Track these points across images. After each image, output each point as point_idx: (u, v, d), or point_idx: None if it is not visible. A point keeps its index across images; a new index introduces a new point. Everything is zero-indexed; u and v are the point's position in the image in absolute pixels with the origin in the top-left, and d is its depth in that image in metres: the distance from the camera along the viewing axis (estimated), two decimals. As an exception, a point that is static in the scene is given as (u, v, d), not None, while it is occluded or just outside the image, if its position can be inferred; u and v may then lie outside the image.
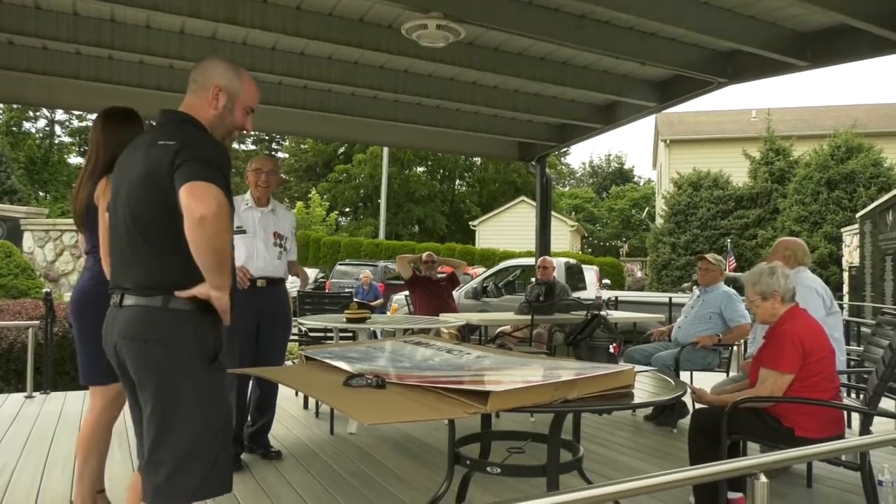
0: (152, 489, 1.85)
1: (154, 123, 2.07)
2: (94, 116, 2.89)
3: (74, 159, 35.95)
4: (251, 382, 3.89)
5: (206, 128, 1.98)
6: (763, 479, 1.63)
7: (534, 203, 8.39)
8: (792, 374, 2.82)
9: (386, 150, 28.25)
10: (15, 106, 30.95)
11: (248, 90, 2.09)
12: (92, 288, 2.64)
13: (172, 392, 1.84)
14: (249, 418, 3.92)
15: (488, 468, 2.56)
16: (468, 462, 2.68)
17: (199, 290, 1.84)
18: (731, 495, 2.98)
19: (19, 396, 5.38)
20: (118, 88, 5.28)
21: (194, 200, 1.74)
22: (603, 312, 3.00)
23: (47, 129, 37.10)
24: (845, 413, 3.39)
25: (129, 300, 1.90)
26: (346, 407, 1.89)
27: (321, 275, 18.85)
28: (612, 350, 2.69)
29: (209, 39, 4.87)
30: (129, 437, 3.83)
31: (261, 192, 3.82)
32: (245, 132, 2.15)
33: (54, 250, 17.16)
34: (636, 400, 2.27)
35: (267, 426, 3.91)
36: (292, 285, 4.51)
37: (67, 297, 7.65)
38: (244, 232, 3.77)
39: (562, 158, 46.56)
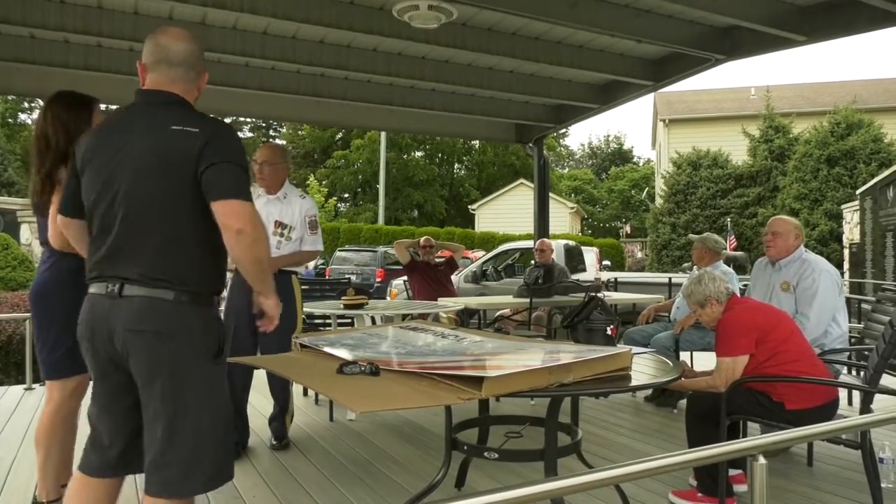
0: (161, 482, 1.82)
1: (143, 104, 1.94)
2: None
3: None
4: (252, 372, 3.87)
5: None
6: (762, 460, 1.61)
7: (532, 185, 8.34)
8: (745, 354, 2.86)
9: (384, 134, 28.13)
10: (10, 97, 30.78)
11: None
12: (49, 281, 2.61)
13: (184, 386, 1.81)
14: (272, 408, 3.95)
15: (486, 453, 2.55)
16: (465, 448, 2.67)
17: (263, 305, 1.99)
18: (731, 472, 2.99)
19: (19, 388, 5.37)
20: (108, 76, 5.22)
21: (231, 217, 1.78)
22: (600, 294, 2.98)
23: (43, 119, 36.89)
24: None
25: (134, 291, 1.81)
26: (338, 395, 1.87)
27: (321, 261, 18.83)
28: (609, 332, 2.66)
29: (198, 25, 4.80)
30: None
31: (262, 183, 3.82)
32: None
33: (52, 242, 17.09)
34: (634, 382, 2.25)
35: (278, 415, 3.88)
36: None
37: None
38: None
39: (560, 140, 46.34)
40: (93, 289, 1.90)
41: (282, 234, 3.78)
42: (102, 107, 2.80)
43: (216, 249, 1.88)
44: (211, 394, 1.86)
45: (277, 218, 3.79)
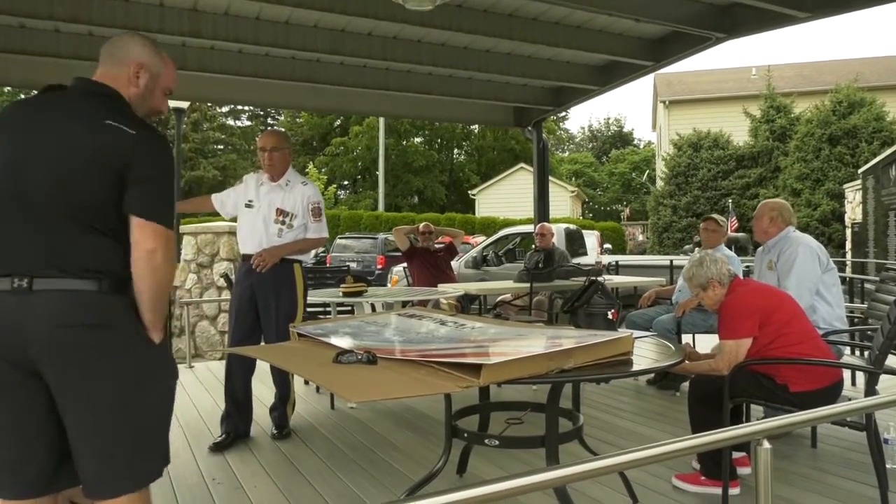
0: (115, 480, 1.72)
1: (75, 89, 1.84)
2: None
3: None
4: (255, 362, 3.84)
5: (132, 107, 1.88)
6: (766, 444, 1.58)
7: (532, 169, 8.28)
8: (748, 337, 2.83)
9: (382, 120, 27.98)
10: (6, 89, 30.64)
11: (169, 71, 1.99)
12: None
13: (126, 375, 1.72)
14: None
15: (486, 440, 2.52)
16: (466, 435, 2.65)
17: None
18: (735, 455, 2.96)
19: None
20: (100, 66, 5.15)
21: (144, 236, 1.72)
22: (601, 278, 2.94)
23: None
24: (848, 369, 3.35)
25: (53, 284, 1.68)
26: (333, 385, 1.83)
27: (322, 249, 18.80)
28: (610, 316, 2.63)
29: (190, 11, 4.74)
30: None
31: (268, 170, 3.77)
32: (162, 115, 2.04)
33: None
34: (635, 367, 2.21)
35: (279, 403, 3.87)
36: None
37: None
38: (251, 206, 3.76)
39: (560, 124, 46.11)
40: None
41: (283, 223, 3.73)
42: None
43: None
44: (154, 378, 1.80)
45: (279, 206, 3.74)
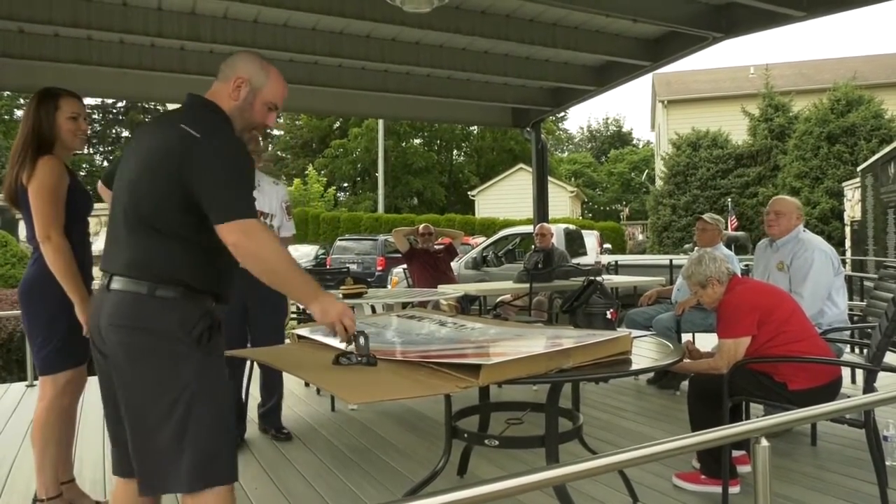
0: (140, 482, 1.76)
1: (181, 105, 1.97)
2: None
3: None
4: (251, 364, 3.85)
5: (228, 117, 1.90)
6: (764, 442, 1.59)
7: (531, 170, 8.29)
8: (747, 335, 2.83)
9: (381, 122, 28.00)
10: (6, 94, 30.61)
11: (274, 86, 1.97)
12: (36, 277, 2.54)
13: (162, 380, 1.72)
14: (260, 398, 3.92)
15: (486, 441, 2.53)
16: (466, 435, 2.65)
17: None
18: (735, 453, 2.97)
19: (21, 386, 5.37)
20: (99, 70, 5.18)
21: (223, 236, 1.72)
22: (599, 278, 2.94)
23: (39, 115, 36.58)
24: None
25: (116, 284, 1.79)
26: (332, 386, 1.84)
27: (321, 251, 18.81)
28: (609, 316, 2.63)
29: (189, 15, 4.75)
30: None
31: None
32: (267, 129, 2.05)
33: (53, 238, 17.02)
34: (634, 366, 2.22)
35: (276, 406, 3.87)
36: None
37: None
38: None
39: (559, 124, 46.11)
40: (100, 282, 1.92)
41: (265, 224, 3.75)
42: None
43: (208, 249, 1.78)
44: (204, 385, 1.74)
45: (258, 208, 3.74)
